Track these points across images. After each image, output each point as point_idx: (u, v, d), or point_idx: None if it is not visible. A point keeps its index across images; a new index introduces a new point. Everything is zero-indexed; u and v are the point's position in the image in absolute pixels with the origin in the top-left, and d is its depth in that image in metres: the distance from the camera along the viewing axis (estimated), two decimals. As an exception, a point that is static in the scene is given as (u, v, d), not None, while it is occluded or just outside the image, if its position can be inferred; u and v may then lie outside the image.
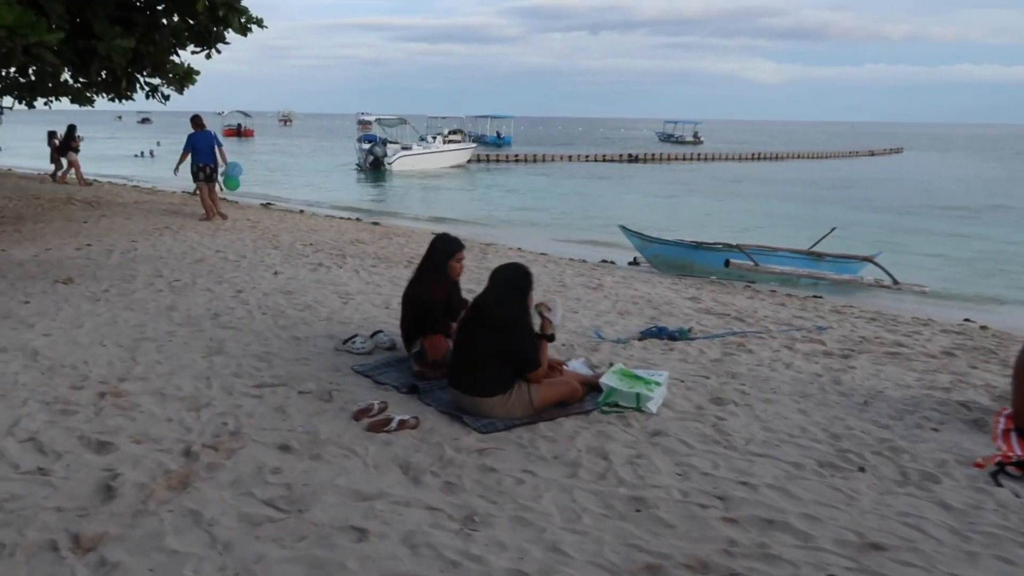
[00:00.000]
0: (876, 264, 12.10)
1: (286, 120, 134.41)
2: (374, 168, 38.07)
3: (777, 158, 58.76)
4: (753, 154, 58.72)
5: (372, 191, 32.10)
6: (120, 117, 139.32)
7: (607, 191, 33.31)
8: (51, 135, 22.66)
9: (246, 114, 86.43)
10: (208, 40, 14.02)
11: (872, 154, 68.76)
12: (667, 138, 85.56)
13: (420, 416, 4.53)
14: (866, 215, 26.05)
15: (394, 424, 4.33)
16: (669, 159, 54.51)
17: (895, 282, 11.71)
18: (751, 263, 11.49)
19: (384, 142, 39.58)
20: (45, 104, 17.34)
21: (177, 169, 14.18)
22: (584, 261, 13.76)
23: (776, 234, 19.23)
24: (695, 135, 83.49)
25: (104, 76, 14.29)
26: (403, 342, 5.71)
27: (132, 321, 6.58)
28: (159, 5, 13.46)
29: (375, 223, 17.93)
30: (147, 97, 14.77)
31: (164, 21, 13.55)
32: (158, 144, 50.09)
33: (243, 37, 14.46)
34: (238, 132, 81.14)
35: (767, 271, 11.57)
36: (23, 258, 9.55)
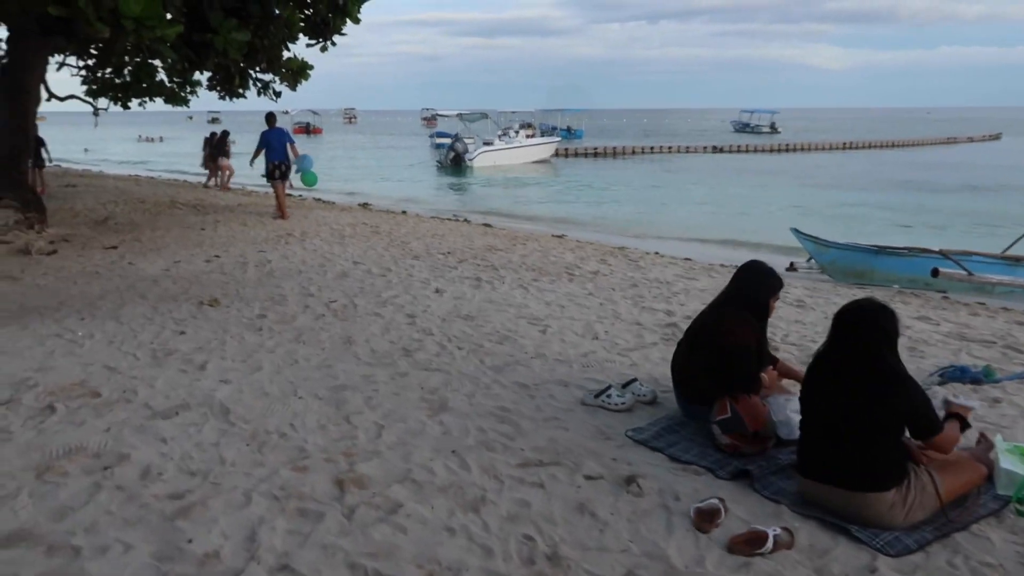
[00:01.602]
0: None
1: (351, 118, 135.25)
2: (455, 164, 37.08)
3: (871, 147, 55.77)
4: (845, 143, 55.84)
5: (457, 189, 31.07)
6: (191, 117, 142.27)
7: (707, 184, 31.60)
8: (208, 140, 21.45)
9: (314, 112, 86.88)
10: (325, 32, 13.05)
11: (971, 140, 64.89)
12: (743, 128, 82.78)
13: (788, 526, 3.25)
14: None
15: (769, 544, 3.05)
16: (756, 150, 52.15)
17: None
18: (963, 272, 9.90)
19: (457, 137, 38.68)
20: (140, 105, 16.70)
21: (253, 162, 13.63)
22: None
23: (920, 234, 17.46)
24: (772, 125, 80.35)
25: (215, 72, 13.48)
26: (680, 398, 4.45)
27: (313, 359, 5.49)
28: (275, -6, 12.53)
29: (487, 224, 16.78)
30: (259, 94, 13.91)
31: (278, 12, 12.63)
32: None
33: (356, 26, 13.47)
34: (307, 130, 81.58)
35: (982, 281, 9.97)
36: (155, 273, 8.64)
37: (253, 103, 16.57)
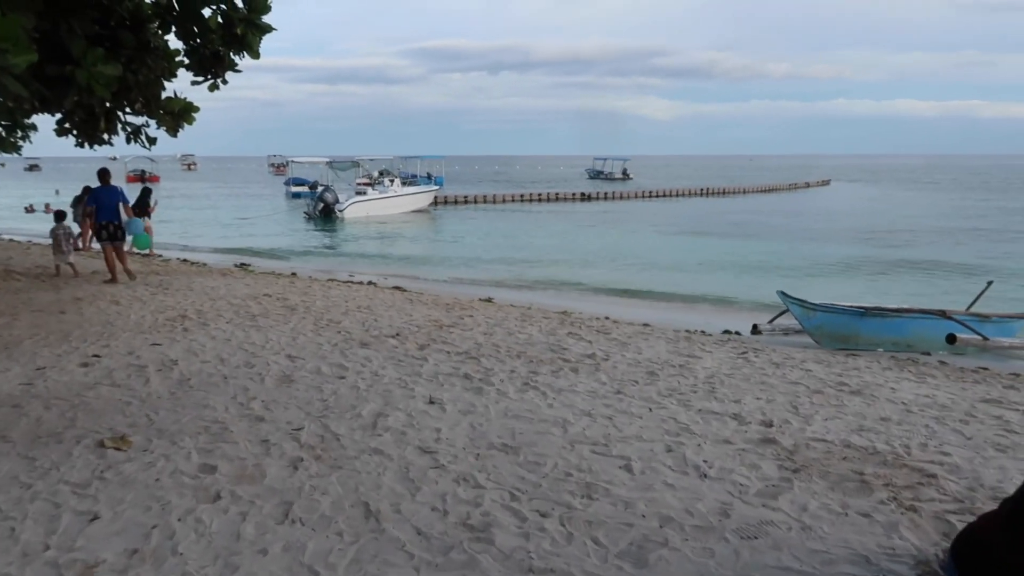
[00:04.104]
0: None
1: (190, 164, 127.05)
2: (324, 215, 34.46)
3: (725, 193, 58.25)
4: (702, 189, 58.02)
5: (333, 243, 28.59)
6: (3, 164, 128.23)
7: (596, 232, 30.96)
8: (80, 197, 18.01)
9: (151, 159, 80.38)
10: (216, 67, 10.75)
11: (808, 185, 69.62)
12: (597, 174, 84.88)
13: None
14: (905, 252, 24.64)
15: None
16: (622, 197, 52.97)
17: None
18: (979, 338, 9.13)
19: (316, 184, 36.21)
20: (-41, 151, 13.57)
21: (85, 235, 12.76)
22: (704, 333, 11.11)
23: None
24: (624, 171, 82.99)
25: (71, 113, 10.79)
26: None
27: (334, 562, 3.42)
28: (153, 21, 10.13)
29: (398, 288, 14.77)
30: (129, 140, 11.27)
31: (157, 41, 10.26)
32: (56, 193, 44.72)
33: (256, 61, 11.28)
34: (142, 178, 75.08)
35: (997, 347, 9.24)
36: (11, 391, 6.08)
37: (73, 149, 13.97)
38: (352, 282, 15.28)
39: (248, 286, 12.66)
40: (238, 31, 10.42)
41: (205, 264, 17.33)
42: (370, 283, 15.41)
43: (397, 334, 8.77)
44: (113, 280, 12.29)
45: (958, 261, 22.52)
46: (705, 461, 4.76)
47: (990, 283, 11.54)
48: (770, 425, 5.63)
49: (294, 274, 16.39)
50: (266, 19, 10.39)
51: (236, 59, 10.91)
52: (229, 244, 25.59)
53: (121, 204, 12.31)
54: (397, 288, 14.72)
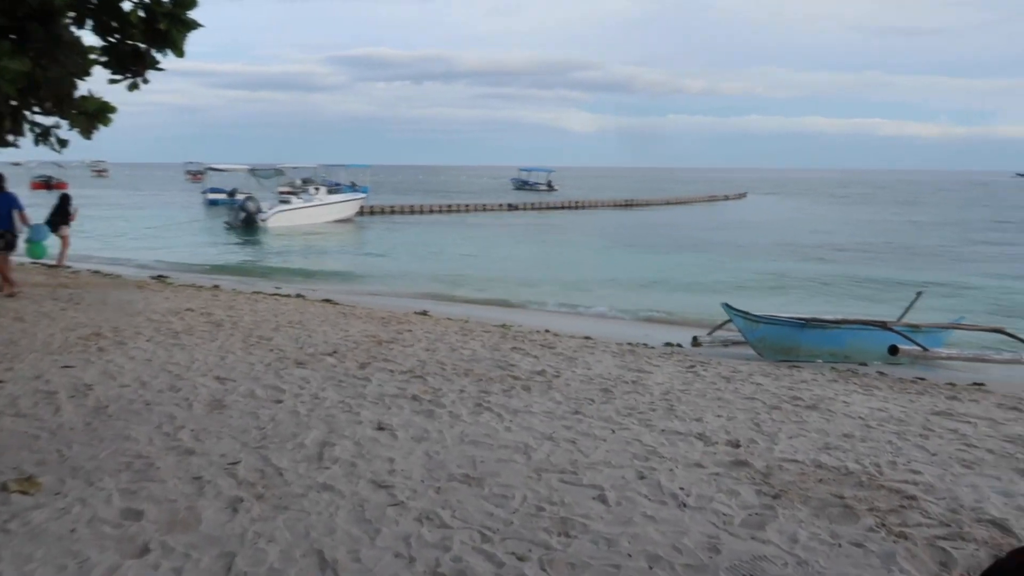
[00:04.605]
0: (1011, 335, 10.24)
1: (101, 171, 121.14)
2: (246, 225, 33.18)
3: (648, 204, 59.18)
4: (626, 201, 58.75)
5: (257, 254, 27.53)
6: None
7: (526, 243, 30.80)
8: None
9: (58, 164, 76.22)
10: (136, 65, 10.00)
11: (727, 198, 71.49)
12: (522, 185, 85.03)
13: None
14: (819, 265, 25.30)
15: None
16: (547, 207, 53.12)
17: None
18: (919, 348, 9.22)
19: (235, 192, 34.94)
20: None
21: None
22: (648, 346, 10.96)
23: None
24: (549, 183, 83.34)
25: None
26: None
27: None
28: (67, 14, 9.33)
29: (328, 300, 14.15)
30: (37, 142, 10.36)
31: (70, 35, 9.45)
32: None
33: (180, 58, 10.58)
34: (48, 185, 71.06)
35: (935, 357, 9.36)
36: None
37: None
38: (279, 295, 14.56)
39: (168, 300, 11.85)
40: (161, 26, 9.73)
41: (119, 276, 16.26)
42: (299, 296, 14.71)
43: (334, 351, 8.25)
44: (10, 294, 11.32)
45: (881, 273, 23.25)
46: (682, 488, 4.49)
47: (919, 294, 11.79)
48: (737, 445, 5.42)
49: (217, 286, 15.52)
50: (191, 15, 9.77)
51: (159, 57, 10.21)
52: (145, 256, 24.28)
53: (16, 212, 11.46)
54: (328, 301, 14.09)
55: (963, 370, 10.40)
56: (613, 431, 5.63)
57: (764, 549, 3.72)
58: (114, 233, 32.39)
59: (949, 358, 9.74)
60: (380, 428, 5.50)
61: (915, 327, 10.97)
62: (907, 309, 11.57)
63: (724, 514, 4.14)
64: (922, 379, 9.51)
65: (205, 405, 5.97)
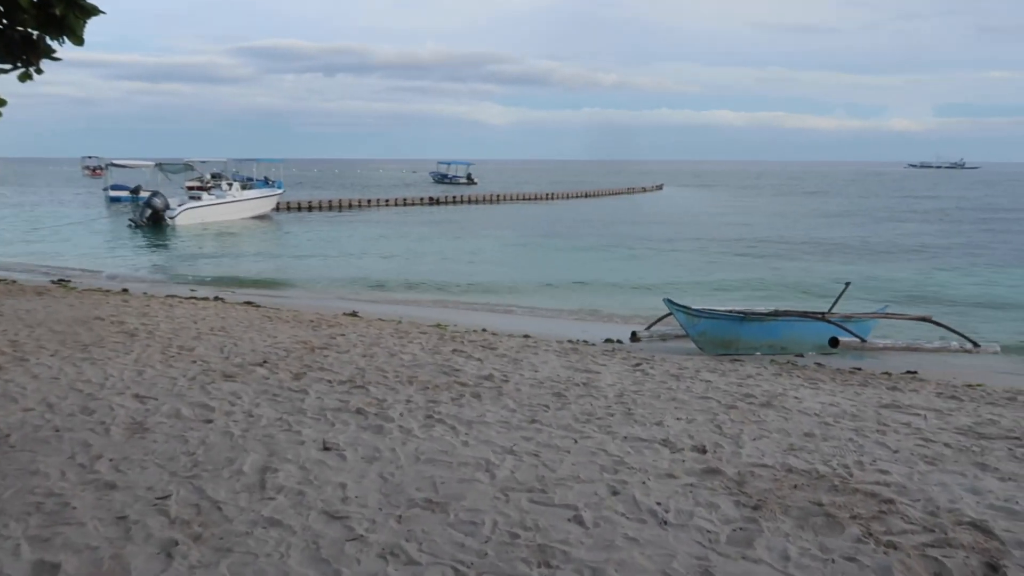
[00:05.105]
0: (937, 323, 10.51)
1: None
2: (153, 223, 31.50)
3: (568, 197, 59.45)
4: (548, 194, 58.88)
5: (166, 253, 26.15)
6: None
7: (450, 238, 30.32)
8: None
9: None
10: (29, 53, 9.12)
11: (644, 190, 72.65)
12: (442, 179, 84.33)
13: None
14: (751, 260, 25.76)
15: None
16: (468, 201, 52.65)
17: (974, 344, 10.15)
18: (858, 340, 9.31)
19: (139, 189, 33.20)
20: None
21: None
22: (588, 343, 10.77)
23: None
24: (469, 176, 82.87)
25: None
26: None
27: None
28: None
29: (250, 303, 13.43)
30: (-86, 137, 9.34)
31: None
32: None
33: (80, 47, 9.74)
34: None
35: (872, 348, 9.46)
36: None
37: None
38: (196, 298, 13.73)
39: (73, 307, 10.94)
40: (57, 11, 8.89)
41: (15, 282, 15.04)
42: (217, 299, 13.92)
43: (265, 361, 7.69)
44: None
45: (804, 264, 23.82)
46: (659, 503, 4.23)
47: (848, 284, 12.01)
48: (704, 451, 5.22)
49: (126, 290, 14.54)
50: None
51: (54, 45, 9.34)
52: (43, 259, 22.70)
53: None
54: (249, 303, 13.37)
55: (893, 357, 10.62)
56: (575, 441, 5.35)
57: (757, 570, 3.50)
58: (5, 234, 30.24)
59: (885, 348, 9.92)
60: (326, 448, 5.06)
61: (847, 317, 11.16)
62: (837, 300, 11.75)
63: (708, 531, 3.90)
64: (859, 369, 9.66)
65: (124, 429, 5.38)
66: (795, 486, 4.59)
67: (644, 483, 4.55)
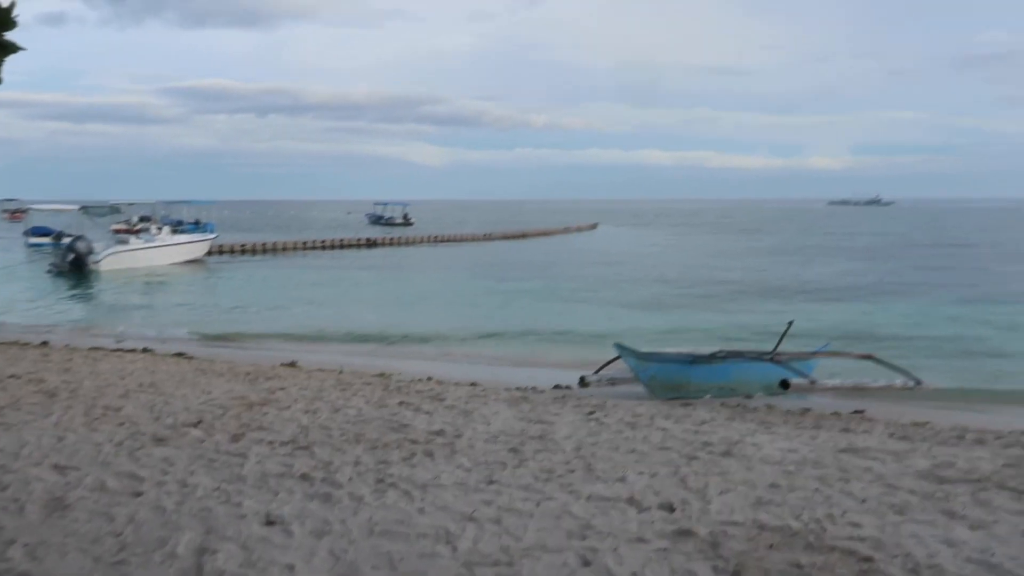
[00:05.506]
0: (880, 361, 10.64)
1: None
2: (76, 268, 30.11)
3: (506, 237, 59.58)
4: (485, 234, 58.93)
5: (89, 302, 24.98)
6: None
7: (391, 281, 29.87)
8: None
9: None
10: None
11: (580, 229, 73.46)
12: (378, 220, 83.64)
13: None
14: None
15: None
16: (408, 243, 52.24)
17: (917, 381, 10.29)
18: (807, 381, 9.31)
19: (61, 235, 31.99)
20: None
21: None
22: (537, 390, 10.54)
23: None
24: (405, 216, 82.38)
25: None
26: None
27: None
28: None
29: (180, 354, 12.77)
30: None
31: None
32: None
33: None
34: None
35: (822, 389, 9.49)
36: None
37: None
38: (123, 350, 13.01)
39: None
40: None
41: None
42: (146, 351, 13.21)
43: (199, 421, 7.19)
44: None
45: (746, 303, 24.04)
46: (634, 574, 3.98)
47: (791, 323, 12.10)
48: (672, 509, 5.01)
49: (46, 343, 13.69)
50: (10, 36, 8.46)
51: (-32, 84, 8.77)
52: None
53: None
54: (181, 355, 12.72)
55: (840, 397, 10.69)
56: (537, 503, 5.07)
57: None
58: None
59: (833, 388, 9.99)
60: (269, 522, 4.65)
61: (793, 356, 11.21)
62: (781, 339, 11.81)
63: (689, 606, 3.67)
64: (808, 409, 9.67)
65: (42, 506, 4.86)
66: (771, 545, 4.41)
67: (615, 550, 4.30)
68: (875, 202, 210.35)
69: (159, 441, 6.45)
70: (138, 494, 5.12)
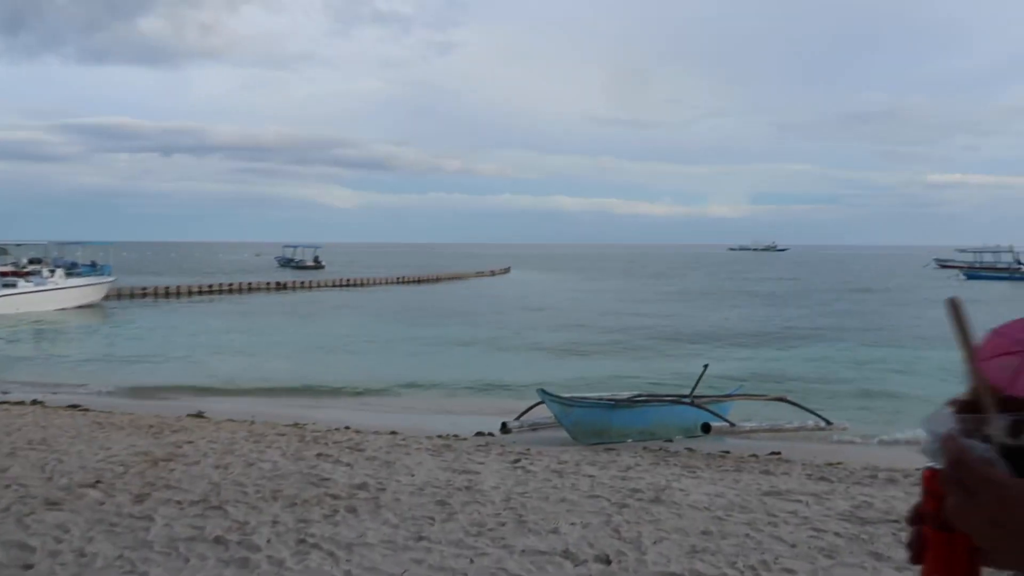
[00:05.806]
0: (792, 403, 10.95)
1: None
2: (-44, 314, 28.03)
3: (419, 281, 59.15)
4: (399, 278, 58.29)
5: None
6: None
7: (300, 326, 29.00)
8: None
9: None
10: None
11: (493, 273, 73.70)
12: (287, 263, 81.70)
13: None
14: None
15: None
16: (318, 286, 51.09)
17: (827, 422, 10.62)
18: (728, 425, 9.42)
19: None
20: None
21: None
22: (459, 437, 10.33)
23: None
24: (316, 259, 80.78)
25: None
26: None
27: None
28: None
29: (75, 406, 11.92)
30: None
31: None
32: None
33: None
34: None
35: (741, 432, 9.62)
36: None
37: None
38: (10, 403, 12.03)
39: None
40: None
41: None
42: (35, 403, 12.27)
43: (98, 481, 6.65)
44: None
45: (659, 348, 24.36)
46: (576, 634, 3.83)
47: (706, 366, 12.33)
48: (608, 562, 4.90)
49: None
50: None
51: None
52: None
53: None
54: (75, 407, 11.88)
55: (756, 439, 10.90)
56: (471, 560, 4.87)
57: None
58: None
59: (752, 431, 10.18)
60: (182, 594, 4.28)
61: (711, 399, 11.40)
62: (697, 382, 12.01)
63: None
64: (727, 452, 9.81)
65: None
66: (710, 597, 4.35)
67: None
68: (771, 248, 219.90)
69: (52, 505, 5.91)
70: (28, 567, 4.64)
